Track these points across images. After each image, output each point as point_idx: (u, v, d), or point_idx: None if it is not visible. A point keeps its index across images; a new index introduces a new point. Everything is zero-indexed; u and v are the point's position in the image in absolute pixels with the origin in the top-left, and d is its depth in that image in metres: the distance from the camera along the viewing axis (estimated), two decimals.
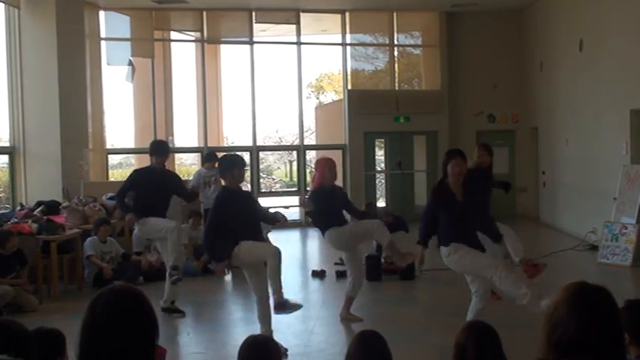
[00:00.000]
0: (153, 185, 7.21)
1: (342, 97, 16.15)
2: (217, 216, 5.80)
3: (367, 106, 15.17)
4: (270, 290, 5.83)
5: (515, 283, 5.39)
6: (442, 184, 5.69)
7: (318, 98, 29.58)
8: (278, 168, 35.77)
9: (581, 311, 2.07)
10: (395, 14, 15.67)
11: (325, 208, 6.69)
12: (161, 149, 7.52)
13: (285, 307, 5.76)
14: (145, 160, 15.04)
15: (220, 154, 7.73)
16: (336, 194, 6.89)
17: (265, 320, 5.89)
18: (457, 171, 5.55)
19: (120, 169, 22.54)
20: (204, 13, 14.68)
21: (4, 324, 2.67)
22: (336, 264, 9.37)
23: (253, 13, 14.88)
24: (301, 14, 15.07)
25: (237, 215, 5.77)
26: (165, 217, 7.36)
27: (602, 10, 11.23)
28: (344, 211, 6.90)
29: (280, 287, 5.73)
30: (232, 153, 6.94)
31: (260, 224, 6.16)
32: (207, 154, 10.99)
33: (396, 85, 16.02)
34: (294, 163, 20.86)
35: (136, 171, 7.84)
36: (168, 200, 7.45)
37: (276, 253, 5.70)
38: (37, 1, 10.97)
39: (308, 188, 15.67)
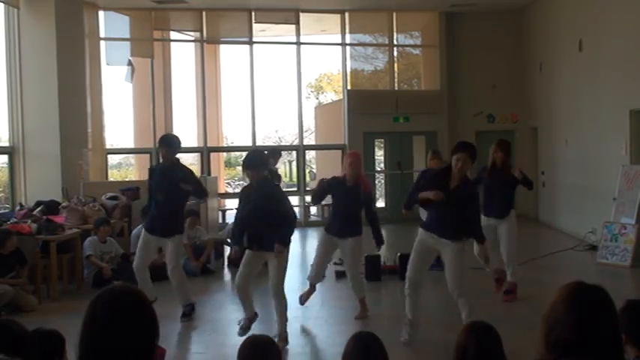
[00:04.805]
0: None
1: (341, 97, 16.15)
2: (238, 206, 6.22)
3: (367, 106, 15.18)
4: None
5: None
6: (447, 170, 5.73)
7: (317, 98, 29.59)
8: (277, 168, 35.70)
9: (578, 310, 2.07)
10: (394, 14, 15.66)
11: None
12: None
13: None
14: (145, 160, 15.12)
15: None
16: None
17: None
18: (458, 166, 5.57)
19: (119, 169, 22.53)
20: (204, 13, 14.68)
21: (4, 324, 2.66)
22: (335, 264, 9.35)
23: (253, 13, 14.87)
24: (301, 14, 15.07)
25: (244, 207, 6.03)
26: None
27: (602, 10, 11.22)
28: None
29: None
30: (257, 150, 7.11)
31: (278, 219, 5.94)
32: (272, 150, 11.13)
33: (396, 85, 16.02)
34: (294, 164, 20.86)
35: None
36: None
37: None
38: (36, 1, 10.98)
39: (307, 188, 15.69)
